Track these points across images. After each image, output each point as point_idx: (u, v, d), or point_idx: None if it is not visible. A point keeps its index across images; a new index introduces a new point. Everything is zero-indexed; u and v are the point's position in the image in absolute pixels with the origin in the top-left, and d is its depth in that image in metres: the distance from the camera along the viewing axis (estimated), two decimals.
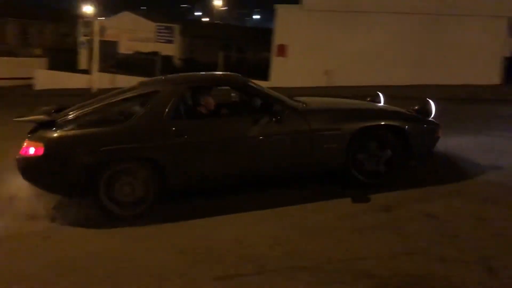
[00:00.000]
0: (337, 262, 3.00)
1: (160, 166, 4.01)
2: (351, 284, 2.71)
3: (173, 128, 4.07)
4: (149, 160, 4.03)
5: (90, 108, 4.21)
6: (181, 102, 4.31)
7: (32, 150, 3.93)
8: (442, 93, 10.76)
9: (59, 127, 4.00)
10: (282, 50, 16.82)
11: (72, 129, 4.00)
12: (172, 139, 4.05)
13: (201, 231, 3.72)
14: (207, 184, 4.34)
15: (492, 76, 14.47)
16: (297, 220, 3.80)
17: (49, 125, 4.04)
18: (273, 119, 4.17)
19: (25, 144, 4.02)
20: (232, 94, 4.96)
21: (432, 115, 4.75)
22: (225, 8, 43.81)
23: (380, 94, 5.38)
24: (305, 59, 16.15)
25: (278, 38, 17.02)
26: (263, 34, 20.97)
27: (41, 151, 3.89)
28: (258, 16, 51.64)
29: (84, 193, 4.02)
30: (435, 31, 14.98)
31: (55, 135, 3.95)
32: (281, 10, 17.01)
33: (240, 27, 37.57)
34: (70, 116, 4.11)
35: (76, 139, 4.00)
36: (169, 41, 25.91)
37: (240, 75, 4.76)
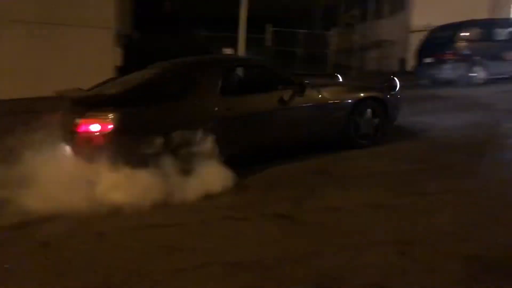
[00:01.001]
0: None
1: (217, 137, 4.29)
2: None
3: (223, 103, 4.57)
4: (209, 131, 4.28)
5: (133, 85, 4.54)
6: (224, 81, 4.72)
7: (96, 127, 3.94)
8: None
9: (119, 103, 4.13)
10: None
11: (134, 105, 4.18)
12: (224, 112, 4.55)
13: None
14: (254, 152, 4.89)
15: None
16: None
17: (104, 102, 4.14)
18: (297, 93, 4.97)
19: (82, 121, 3.95)
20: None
21: (397, 89, 5.93)
22: None
23: (338, 75, 6.62)
24: None
25: None
26: None
27: (109, 127, 3.94)
28: None
29: (149, 164, 3.95)
30: (50, 41, 14.36)
31: (123, 111, 4.06)
32: None
33: None
34: (121, 93, 4.35)
35: (144, 115, 4.21)
36: None
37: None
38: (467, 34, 10.88)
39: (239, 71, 5.49)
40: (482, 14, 14.15)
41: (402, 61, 15.75)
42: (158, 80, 4.67)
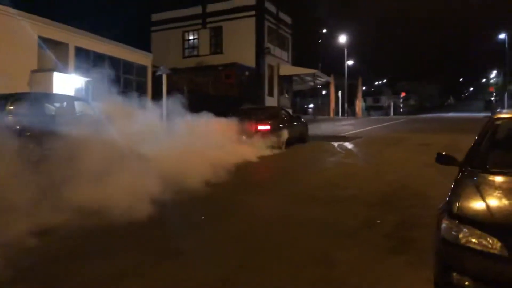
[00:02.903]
0: None
1: (287, 132, 15.05)
2: None
3: (286, 120, 16.19)
4: (285, 130, 15.04)
5: (267, 115, 15.61)
6: (284, 114, 16.99)
7: (264, 127, 14.11)
8: None
9: (270, 119, 14.87)
10: None
11: (272, 120, 14.85)
12: (287, 123, 15.82)
13: None
14: (291, 139, 15.38)
15: None
16: None
17: (265, 119, 14.86)
18: (297, 119, 17.70)
19: (257, 124, 14.16)
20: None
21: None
22: None
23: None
24: None
25: None
26: None
27: (268, 128, 14.17)
28: None
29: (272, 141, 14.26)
30: None
31: (271, 122, 14.80)
32: None
33: None
34: (267, 116, 15.21)
35: (275, 123, 14.76)
36: None
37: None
38: (15, 107, 10.35)
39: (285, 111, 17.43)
40: (23, 87, 14.06)
41: None
42: (270, 113, 16.06)
